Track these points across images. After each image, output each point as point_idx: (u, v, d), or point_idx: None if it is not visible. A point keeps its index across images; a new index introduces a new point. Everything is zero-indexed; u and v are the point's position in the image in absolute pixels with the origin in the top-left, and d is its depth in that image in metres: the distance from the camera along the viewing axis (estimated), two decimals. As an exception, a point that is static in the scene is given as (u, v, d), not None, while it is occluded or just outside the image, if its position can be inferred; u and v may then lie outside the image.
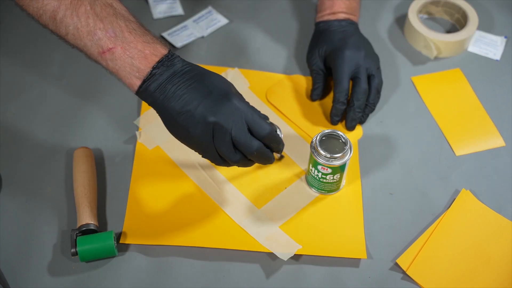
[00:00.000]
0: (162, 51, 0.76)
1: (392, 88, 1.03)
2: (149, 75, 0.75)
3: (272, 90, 1.01)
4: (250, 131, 0.77)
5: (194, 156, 0.92)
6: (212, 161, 0.79)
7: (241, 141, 0.76)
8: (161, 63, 0.75)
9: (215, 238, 0.85)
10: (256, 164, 0.92)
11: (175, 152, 0.93)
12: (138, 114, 0.97)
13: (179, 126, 0.76)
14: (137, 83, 0.75)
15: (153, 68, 0.75)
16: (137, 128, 0.96)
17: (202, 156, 0.79)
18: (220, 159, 0.78)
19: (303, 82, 1.03)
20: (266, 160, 0.80)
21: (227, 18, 1.12)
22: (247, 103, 0.78)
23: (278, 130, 0.84)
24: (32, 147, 0.94)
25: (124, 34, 0.75)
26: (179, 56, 0.77)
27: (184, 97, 0.75)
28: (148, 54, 0.75)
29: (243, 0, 1.15)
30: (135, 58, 0.74)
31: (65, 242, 0.84)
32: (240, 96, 0.78)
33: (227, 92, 0.76)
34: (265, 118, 0.82)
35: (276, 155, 0.92)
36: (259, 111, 0.80)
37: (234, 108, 0.75)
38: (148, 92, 0.75)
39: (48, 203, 0.88)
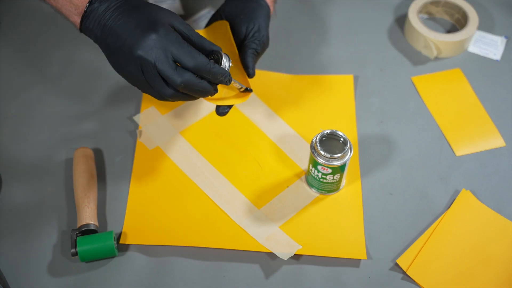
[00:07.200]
0: None
1: (392, 88, 1.03)
2: (85, 12, 0.73)
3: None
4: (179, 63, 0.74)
5: (194, 157, 0.92)
6: (154, 97, 0.76)
7: (165, 73, 0.72)
8: None
9: (215, 238, 0.84)
10: (254, 161, 0.92)
11: (175, 153, 0.93)
12: (138, 114, 0.97)
13: (117, 63, 0.74)
14: (78, 20, 0.75)
15: (89, 3, 0.73)
16: (137, 125, 0.96)
17: (142, 91, 0.77)
18: (159, 95, 0.76)
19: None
20: (201, 92, 0.75)
21: (227, 18, 1.12)
22: (178, 34, 0.73)
23: (225, 59, 0.76)
24: (32, 147, 0.94)
25: None
26: None
27: (116, 33, 0.73)
28: None
29: (243, 0, 1.15)
30: None
31: (65, 242, 0.84)
32: (168, 28, 0.73)
33: (155, 23, 0.73)
34: (208, 47, 0.76)
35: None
36: (202, 40, 0.75)
37: (156, 39, 0.71)
38: (89, 29, 0.74)
39: (48, 203, 0.88)
